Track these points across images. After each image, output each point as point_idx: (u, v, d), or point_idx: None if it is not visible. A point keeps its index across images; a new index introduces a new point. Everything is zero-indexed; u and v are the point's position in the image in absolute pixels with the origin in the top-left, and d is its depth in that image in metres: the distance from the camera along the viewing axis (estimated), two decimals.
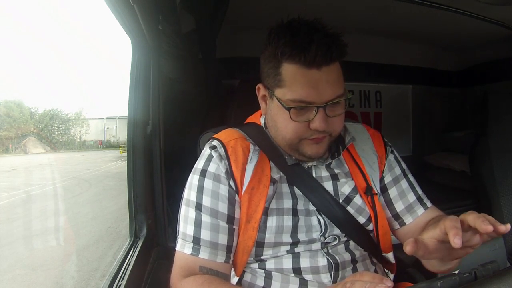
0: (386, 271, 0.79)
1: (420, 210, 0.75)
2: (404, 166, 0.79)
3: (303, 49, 0.59)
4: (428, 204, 0.76)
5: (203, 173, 0.69)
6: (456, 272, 0.49)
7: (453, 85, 2.04)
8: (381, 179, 0.76)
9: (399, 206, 0.76)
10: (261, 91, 0.70)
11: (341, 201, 0.71)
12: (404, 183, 0.77)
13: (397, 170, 0.78)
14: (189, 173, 0.72)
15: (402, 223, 0.76)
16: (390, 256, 0.76)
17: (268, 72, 0.65)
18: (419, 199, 0.76)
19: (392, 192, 0.76)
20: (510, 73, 1.60)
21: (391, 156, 0.78)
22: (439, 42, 1.71)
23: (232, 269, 0.71)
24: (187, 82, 1.25)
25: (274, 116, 0.67)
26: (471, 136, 1.78)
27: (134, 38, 1.02)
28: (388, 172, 0.77)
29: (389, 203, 0.76)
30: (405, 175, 0.78)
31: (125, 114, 1.07)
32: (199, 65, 1.24)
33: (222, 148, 0.70)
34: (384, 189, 0.77)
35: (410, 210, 0.75)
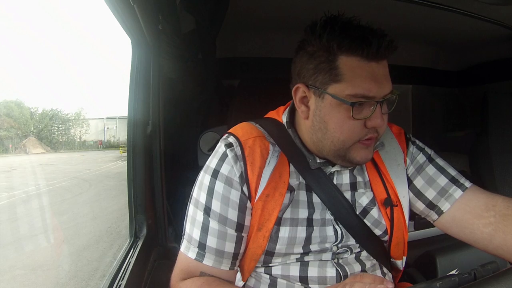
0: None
1: (457, 193, 0.67)
2: (430, 152, 0.74)
3: (364, 41, 0.56)
4: (467, 184, 0.68)
5: (215, 174, 0.65)
6: (456, 272, 0.49)
7: (453, 85, 2.04)
8: (407, 174, 0.72)
9: (430, 194, 0.69)
10: (300, 92, 0.64)
11: (358, 212, 0.68)
12: (430, 169, 0.71)
13: (421, 159, 0.72)
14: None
15: (439, 212, 0.68)
16: (399, 263, 0.73)
17: (318, 68, 0.60)
18: (453, 180, 0.68)
19: (418, 182, 0.71)
20: (510, 73, 1.60)
21: (412, 148, 0.73)
22: (439, 42, 1.71)
23: (239, 274, 0.69)
24: (187, 82, 1.26)
25: (325, 116, 0.61)
26: (471, 136, 1.78)
27: (134, 38, 1.02)
28: (410, 164, 0.72)
29: (418, 194, 0.71)
30: (431, 161, 0.72)
31: (125, 114, 1.07)
32: (199, 65, 1.24)
33: (239, 148, 0.65)
34: (409, 182, 0.72)
35: (445, 195, 0.68)
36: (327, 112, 0.61)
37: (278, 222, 0.64)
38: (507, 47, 1.51)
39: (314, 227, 0.66)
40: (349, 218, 0.66)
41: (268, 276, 0.67)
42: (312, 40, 0.60)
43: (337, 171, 0.69)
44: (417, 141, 0.76)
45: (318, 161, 0.67)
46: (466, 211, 0.66)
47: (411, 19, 1.29)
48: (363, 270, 0.68)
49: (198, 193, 0.66)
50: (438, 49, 1.83)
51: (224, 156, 0.65)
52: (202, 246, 0.64)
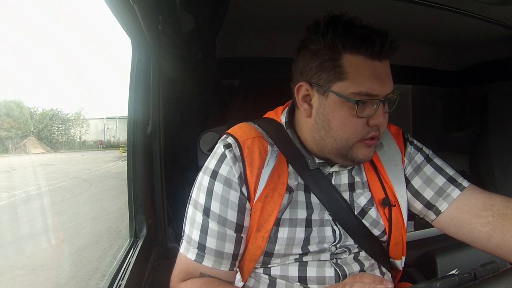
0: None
1: (455, 192, 0.67)
2: (428, 152, 0.74)
3: (368, 40, 0.57)
4: (465, 183, 0.68)
5: (214, 175, 0.65)
6: (456, 272, 0.49)
7: (453, 85, 2.04)
8: (405, 174, 0.72)
9: (428, 194, 0.69)
10: (302, 90, 0.64)
11: (356, 213, 0.68)
12: (428, 169, 0.71)
13: (418, 159, 0.72)
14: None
15: (437, 212, 0.68)
16: (398, 263, 0.73)
17: (322, 66, 0.60)
18: (451, 180, 0.68)
19: (416, 181, 0.71)
20: (510, 73, 1.60)
21: (409, 148, 0.74)
22: (439, 42, 1.71)
23: (238, 274, 0.69)
24: (187, 82, 1.25)
25: (329, 114, 0.61)
26: (471, 136, 1.78)
27: (134, 38, 1.02)
28: (408, 164, 0.72)
29: (416, 194, 0.71)
30: (429, 161, 0.72)
31: (125, 114, 1.07)
32: (199, 65, 1.24)
33: (238, 148, 0.65)
34: (407, 182, 0.72)
35: (442, 195, 0.68)
36: (330, 110, 0.61)
37: (277, 223, 0.64)
38: (507, 47, 1.51)
39: (313, 228, 0.66)
40: (348, 218, 0.66)
41: (267, 277, 0.67)
42: (315, 38, 0.60)
43: (336, 171, 0.69)
44: (415, 141, 0.76)
45: (317, 161, 0.67)
46: (464, 210, 0.65)
47: (411, 19, 1.29)
48: (362, 270, 0.68)
49: (197, 194, 0.66)
50: (438, 49, 1.83)
51: (222, 157, 0.65)
52: (201, 247, 0.64)
